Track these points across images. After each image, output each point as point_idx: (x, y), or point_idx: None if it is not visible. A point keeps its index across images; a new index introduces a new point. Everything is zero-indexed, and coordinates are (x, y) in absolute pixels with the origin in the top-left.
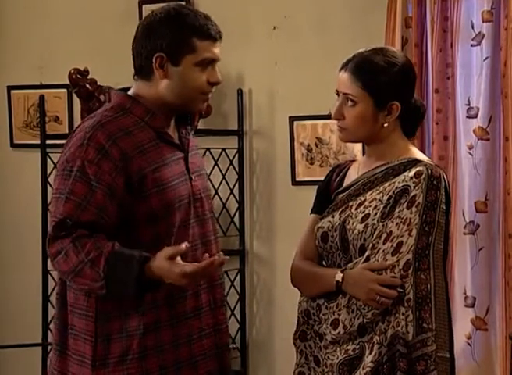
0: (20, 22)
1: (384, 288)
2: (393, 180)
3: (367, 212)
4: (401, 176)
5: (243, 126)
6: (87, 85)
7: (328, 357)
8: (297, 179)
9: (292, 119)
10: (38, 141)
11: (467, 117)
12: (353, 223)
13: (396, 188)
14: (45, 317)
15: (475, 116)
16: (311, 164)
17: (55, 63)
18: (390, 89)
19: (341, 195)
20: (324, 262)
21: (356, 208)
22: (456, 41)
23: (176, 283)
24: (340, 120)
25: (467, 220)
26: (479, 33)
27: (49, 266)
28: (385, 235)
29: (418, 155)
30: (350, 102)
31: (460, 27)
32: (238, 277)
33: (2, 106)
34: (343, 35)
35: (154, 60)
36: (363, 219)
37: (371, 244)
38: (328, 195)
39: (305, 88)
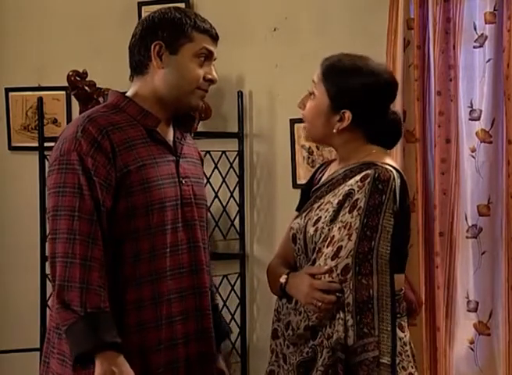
0: (18, 23)
1: (320, 293)
2: (346, 183)
3: (320, 215)
4: (351, 180)
5: (243, 129)
6: (86, 87)
7: (291, 357)
8: (298, 182)
9: (293, 122)
10: (36, 144)
11: (469, 120)
12: (309, 226)
13: (344, 192)
14: (43, 322)
15: (478, 119)
16: (312, 167)
17: (53, 65)
18: (346, 96)
19: (312, 196)
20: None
21: (315, 211)
22: (458, 42)
23: None
24: (301, 109)
25: (470, 224)
26: (482, 34)
27: (47, 270)
28: (328, 239)
29: (380, 158)
30: (312, 95)
31: (462, 29)
32: (238, 281)
33: (0, 109)
34: (344, 37)
35: (152, 48)
36: (315, 223)
37: (317, 248)
38: (309, 194)
39: (306, 90)
